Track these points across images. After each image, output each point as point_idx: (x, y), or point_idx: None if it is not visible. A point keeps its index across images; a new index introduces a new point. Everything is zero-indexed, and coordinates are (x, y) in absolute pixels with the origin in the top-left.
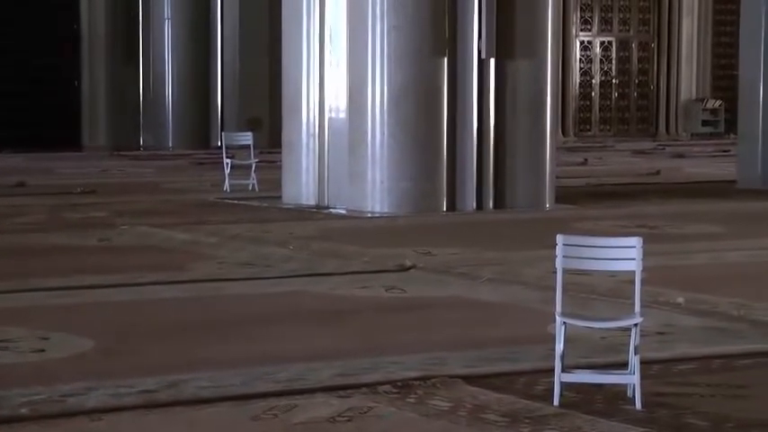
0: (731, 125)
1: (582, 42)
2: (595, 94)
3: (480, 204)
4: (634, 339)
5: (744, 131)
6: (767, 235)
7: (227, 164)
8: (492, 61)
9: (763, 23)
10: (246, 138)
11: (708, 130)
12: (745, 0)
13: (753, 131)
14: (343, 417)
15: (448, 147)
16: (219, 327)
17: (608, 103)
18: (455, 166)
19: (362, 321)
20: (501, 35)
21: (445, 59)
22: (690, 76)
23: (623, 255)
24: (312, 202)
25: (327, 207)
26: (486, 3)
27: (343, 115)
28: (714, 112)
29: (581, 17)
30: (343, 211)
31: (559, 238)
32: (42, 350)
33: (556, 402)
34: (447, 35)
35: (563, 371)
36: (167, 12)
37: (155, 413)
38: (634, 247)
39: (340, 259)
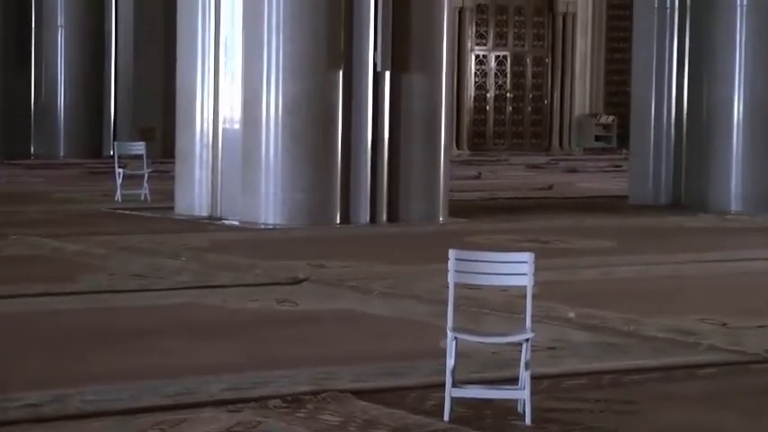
0: (624, 140)
1: (477, 57)
2: (490, 107)
3: (374, 217)
4: (525, 355)
5: (635, 147)
6: (657, 250)
7: (120, 174)
8: (387, 74)
9: (655, 41)
10: (139, 147)
11: (601, 145)
12: (637, 18)
13: (644, 147)
14: (232, 431)
15: (342, 159)
16: (108, 339)
17: (502, 117)
18: (349, 179)
19: (254, 334)
20: (396, 48)
21: (341, 72)
22: (583, 92)
23: (515, 270)
24: (205, 213)
25: (220, 218)
26: (382, 16)
27: (237, 126)
28: (607, 127)
29: (476, 32)
30: (237, 223)
31: (451, 253)
32: None
33: (446, 418)
34: (342, 48)
35: (454, 386)
36: (60, 19)
37: (39, 428)
38: (526, 262)
39: (232, 271)
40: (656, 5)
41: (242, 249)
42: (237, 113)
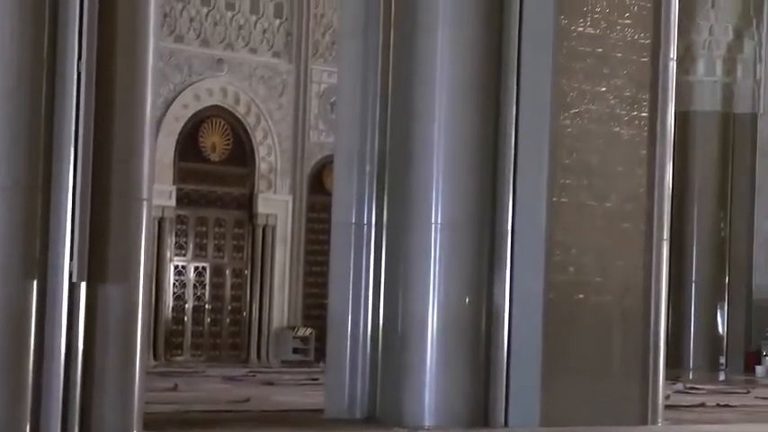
0: (321, 353)
1: (176, 267)
2: (188, 318)
3: (65, 430)
4: None
5: (331, 361)
6: None
7: None
8: (83, 284)
9: (352, 256)
10: None
11: (299, 357)
12: (334, 232)
13: (340, 361)
14: None
15: (34, 370)
16: None
17: (200, 328)
18: (41, 390)
19: None
20: (93, 257)
21: (35, 281)
22: (282, 303)
23: None
24: None
25: None
26: (80, 224)
27: None
28: (305, 339)
29: (176, 242)
30: None
31: None
32: None
33: None
34: (37, 256)
35: None
36: None
37: None
38: None
39: None
40: (353, 221)
41: None
42: None
